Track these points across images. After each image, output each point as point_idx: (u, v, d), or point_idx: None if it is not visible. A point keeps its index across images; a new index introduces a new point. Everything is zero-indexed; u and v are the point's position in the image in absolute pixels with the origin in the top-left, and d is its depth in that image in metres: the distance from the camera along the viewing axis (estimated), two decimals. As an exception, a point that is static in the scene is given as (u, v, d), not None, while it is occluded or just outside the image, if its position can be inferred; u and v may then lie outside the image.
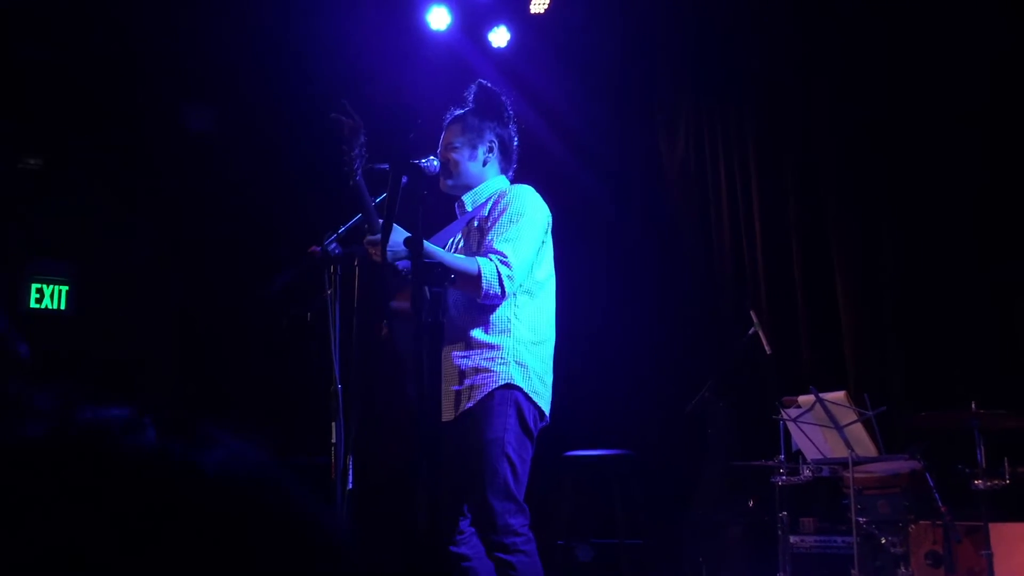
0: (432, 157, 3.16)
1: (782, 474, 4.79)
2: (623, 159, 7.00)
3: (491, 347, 3.09)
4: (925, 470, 4.42)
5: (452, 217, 3.39)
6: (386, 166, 2.87)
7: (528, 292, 3.18)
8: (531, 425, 3.11)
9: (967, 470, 4.28)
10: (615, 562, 5.71)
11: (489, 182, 3.35)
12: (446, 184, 3.34)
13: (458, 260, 3.03)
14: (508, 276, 3.03)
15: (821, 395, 4.43)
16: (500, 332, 3.10)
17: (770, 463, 4.86)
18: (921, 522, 4.49)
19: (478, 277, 3.00)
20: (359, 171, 2.94)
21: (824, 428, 4.52)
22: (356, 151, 2.94)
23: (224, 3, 6.07)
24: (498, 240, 3.09)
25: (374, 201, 3.01)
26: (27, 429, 0.61)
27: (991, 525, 4.21)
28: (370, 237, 3.00)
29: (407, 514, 3.13)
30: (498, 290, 3.02)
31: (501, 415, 3.03)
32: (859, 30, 5.90)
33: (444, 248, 3.19)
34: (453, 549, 3.10)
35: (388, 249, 2.84)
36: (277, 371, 5.74)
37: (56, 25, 5.92)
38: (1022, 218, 5.23)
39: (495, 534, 2.98)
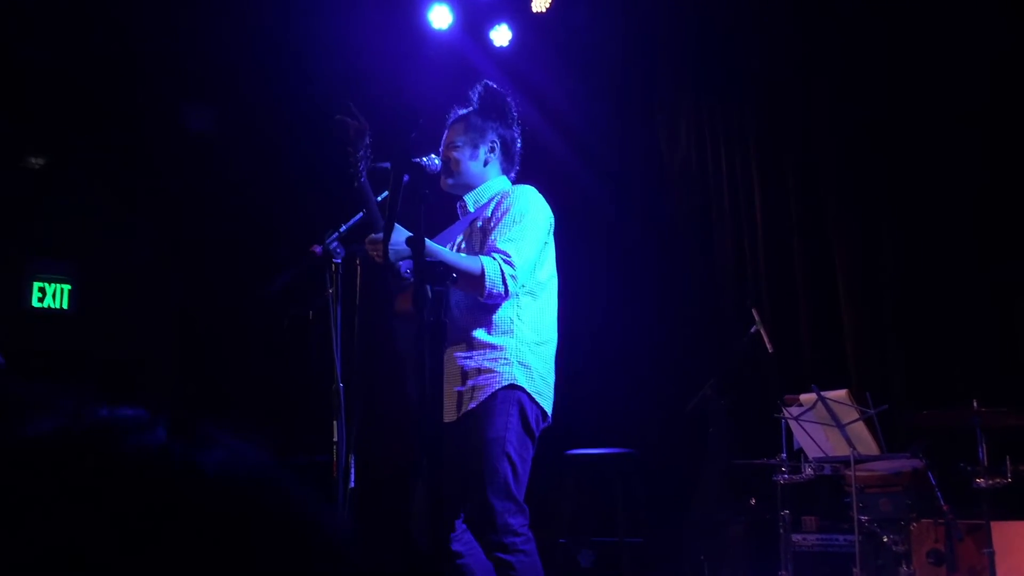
0: (433, 155, 3.16)
1: (784, 472, 4.79)
2: (623, 158, 7.00)
3: (494, 348, 3.08)
4: (927, 468, 4.42)
5: (454, 218, 3.38)
6: (387, 165, 2.86)
7: (531, 293, 3.17)
8: (533, 425, 3.10)
9: (969, 468, 4.28)
10: (616, 561, 5.71)
11: (491, 182, 3.34)
12: (447, 183, 3.34)
13: (461, 259, 3.02)
14: (511, 275, 3.02)
15: (823, 393, 4.43)
16: (503, 333, 3.09)
17: (772, 461, 4.86)
18: (923, 520, 4.49)
19: (481, 276, 2.99)
20: (364, 172, 2.94)
21: (826, 426, 4.52)
22: (361, 152, 2.94)
23: (224, 3, 6.07)
24: (501, 240, 3.08)
25: (377, 200, 3.00)
26: (31, 427, 0.61)
27: (993, 523, 4.21)
28: (372, 236, 3.00)
29: (406, 514, 3.13)
30: (501, 289, 3.01)
31: (503, 415, 3.02)
32: (859, 30, 5.90)
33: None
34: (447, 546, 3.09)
35: (390, 248, 2.84)
36: (278, 371, 5.74)
37: (56, 25, 5.92)
38: (1022, 218, 5.23)
39: (495, 534, 2.96)
